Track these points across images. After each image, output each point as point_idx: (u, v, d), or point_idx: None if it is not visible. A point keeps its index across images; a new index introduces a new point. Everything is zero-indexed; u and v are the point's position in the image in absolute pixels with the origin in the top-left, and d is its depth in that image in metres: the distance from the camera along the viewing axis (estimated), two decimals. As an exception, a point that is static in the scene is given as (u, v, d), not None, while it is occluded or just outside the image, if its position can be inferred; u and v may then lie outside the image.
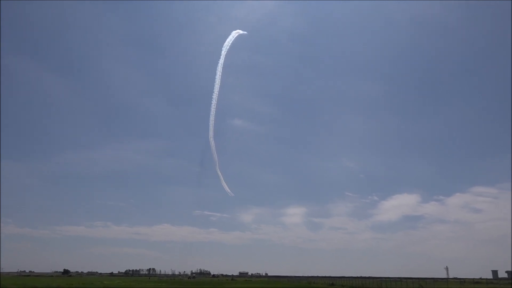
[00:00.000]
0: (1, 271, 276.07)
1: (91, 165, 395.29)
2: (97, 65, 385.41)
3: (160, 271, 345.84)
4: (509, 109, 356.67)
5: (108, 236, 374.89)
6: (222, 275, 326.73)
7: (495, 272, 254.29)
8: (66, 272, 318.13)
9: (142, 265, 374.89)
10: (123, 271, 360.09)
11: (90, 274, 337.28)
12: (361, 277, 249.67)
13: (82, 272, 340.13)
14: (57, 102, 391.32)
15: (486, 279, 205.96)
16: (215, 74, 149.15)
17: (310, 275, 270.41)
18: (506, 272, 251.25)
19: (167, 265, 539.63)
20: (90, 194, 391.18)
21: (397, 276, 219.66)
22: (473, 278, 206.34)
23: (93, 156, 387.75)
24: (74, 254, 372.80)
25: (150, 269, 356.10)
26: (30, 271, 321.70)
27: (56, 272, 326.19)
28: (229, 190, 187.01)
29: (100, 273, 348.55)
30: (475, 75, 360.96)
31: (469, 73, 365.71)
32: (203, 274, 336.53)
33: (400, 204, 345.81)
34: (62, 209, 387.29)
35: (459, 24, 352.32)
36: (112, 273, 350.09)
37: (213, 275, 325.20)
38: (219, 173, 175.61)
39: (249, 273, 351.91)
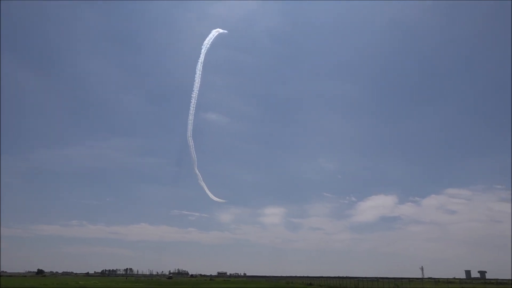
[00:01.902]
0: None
1: (66, 163, 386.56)
2: (73, 60, 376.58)
3: (137, 271, 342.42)
4: (483, 112, 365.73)
5: (83, 236, 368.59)
6: (200, 275, 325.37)
7: (468, 272, 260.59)
8: (40, 272, 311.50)
9: (119, 265, 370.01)
10: (99, 271, 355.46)
11: (65, 274, 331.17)
12: (338, 277, 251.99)
13: (56, 272, 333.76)
14: (31, 98, 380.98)
15: (460, 279, 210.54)
16: (194, 71, 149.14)
17: (288, 275, 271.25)
18: (479, 272, 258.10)
19: (144, 265, 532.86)
20: (65, 192, 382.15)
21: (373, 276, 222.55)
22: (447, 278, 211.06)
23: (69, 153, 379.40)
24: (48, 253, 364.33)
25: (127, 269, 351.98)
26: (2, 271, 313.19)
27: (30, 272, 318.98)
28: (210, 193, 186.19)
29: (76, 273, 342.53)
30: (451, 78, 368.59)
31: (445, 76, 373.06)
32: (181, 274, 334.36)
33: (377, 205, 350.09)
34: (36, 207, 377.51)
35: (437, 25, 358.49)
36: (88, 273, 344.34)
37: (192, 275, 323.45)
38: (198, 173, 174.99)
39: (228, 273, 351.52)
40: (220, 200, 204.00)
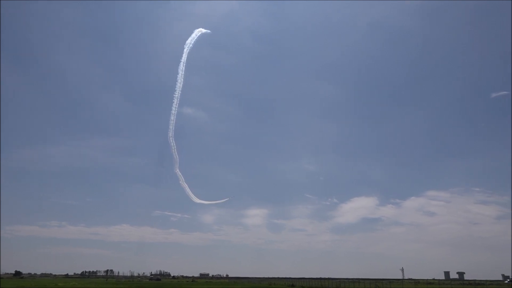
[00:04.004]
0: None
1: (46, 162, 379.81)
2: (54, 58, 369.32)
3: (118, 272, 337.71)
4: (463, 116, 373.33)
5: (63, 236, 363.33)
6: (182, 276, 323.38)
7: (447, 273, 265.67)
8: (17, 273, 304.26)
9: (99, 266, 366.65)
10: (79, 272, 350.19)
11: (44, 275, 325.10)
12: (320, 278, 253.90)
13: (35, 274, 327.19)
14: (10, 96, 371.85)
15: (439, 280, 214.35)
16: (176, 70, 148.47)
17: (270, 276, 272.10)
18: (457, 273, 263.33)
19: (125, 266, 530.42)
20: (45, 192, 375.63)
21: (355, 277, 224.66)
22: (427, 279, 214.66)
23: (48, 152, 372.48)
24: (26, 255, 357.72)
25: (107, 270, 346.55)
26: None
27: (7, 274, 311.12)
28: (192, 195, 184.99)
29: (55, 275, 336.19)
30: (430, 80, 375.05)
31: (424, 78, 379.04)
32: (162, 275, 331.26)
33: (358, 206, 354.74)
34: (14, 207, 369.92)
35: (416, 28, 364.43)
36: (67, 274, 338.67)
37: (173, 276, 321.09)
38: (179, 174, 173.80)
39: (210, 275, 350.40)
40: (202, 201, 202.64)
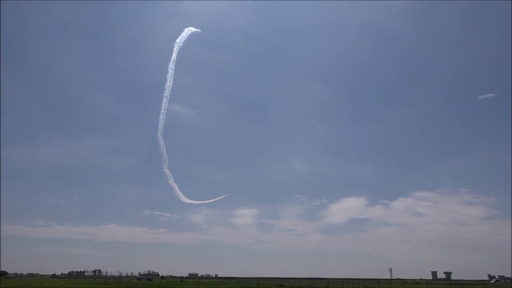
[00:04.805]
0: None
1: (34, 161, 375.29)
2: (43, 57, 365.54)
3: (106, 272, 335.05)
4: (450, 117, 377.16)
5: (50, 236, 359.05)
6: (171, 276, 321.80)
7: (434, 273, 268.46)
8: (3, 273, 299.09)
9: (87, 266, 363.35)
10: (66, 272, 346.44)
11: (30, 275, 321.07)
12: (309, 278, 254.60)
13: (21, 274, 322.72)
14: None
15: (426, 279, 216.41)
16: (166, 69, 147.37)
17: (260, 276, 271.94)
18: (445, 273, 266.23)
19: (113, 266, 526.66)
20: (32, 191, 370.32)
21: (344, 277, 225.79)
22: (415, 279, 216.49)
23: (36, 151, 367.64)
24: (13, 254, 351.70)
25: (95, 270, 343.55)
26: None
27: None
28: (181, 195, 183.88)
29: (42, 275, 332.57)
30: (419, 82, 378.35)
31: (414, 79, 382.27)
32: (151, 275, 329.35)
33: (347, 207, 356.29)
34: (0, 206, 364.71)
35: (407, 29, 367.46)
36: (54, 274, 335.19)
37: (162, 276, 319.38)
38: (168, 174, 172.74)
39: (199, 274, 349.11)
40: (192, 201, 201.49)
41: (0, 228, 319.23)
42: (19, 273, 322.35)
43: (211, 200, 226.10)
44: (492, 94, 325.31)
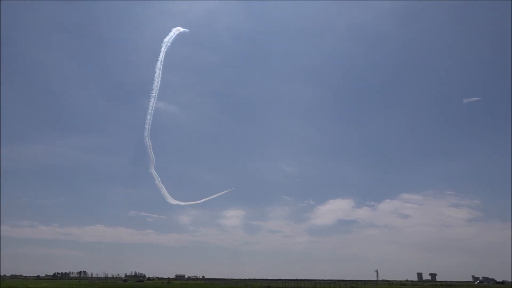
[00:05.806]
0: None
1: (18, 160, 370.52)
2: (30, 55, 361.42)
3: (91, 273, 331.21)
4: (436, 119, 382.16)
5: (34, 237, 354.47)
6: (158, 277, 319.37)
7: (420, 275, 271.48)
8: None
9: (72, 268, 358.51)
10: (51, 273, 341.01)
11: (14, 277, 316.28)
12: (296, 280, 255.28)
13: (4, 276, 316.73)
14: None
15: (412, 281, 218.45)
16: (153, 69, 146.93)
17: (247, 277, 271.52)
18: (430, 274, 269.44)
19: (99, 267, 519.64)
20: (16, 191, 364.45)
21: (331, 279, 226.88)
22: (400, 280, 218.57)
23: (21, 150, 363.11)
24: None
25: (80, 271, 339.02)
26: None
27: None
28: (168, 196, 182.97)
29: (25, 276, 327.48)
30: (406, 84, 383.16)
31: (401, 81, 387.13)
32: (138, 276, 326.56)
33: (334, 208, 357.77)
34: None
35: (394, 31, 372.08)
36: (38, 276, 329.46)
37: (148, 278, 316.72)
38: (155, 174, 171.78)
39: (186, 276, 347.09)
40: (179, 202, 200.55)
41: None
42: (1, 275, 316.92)
43: (200, 201, 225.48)
44: (476, 98, 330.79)
